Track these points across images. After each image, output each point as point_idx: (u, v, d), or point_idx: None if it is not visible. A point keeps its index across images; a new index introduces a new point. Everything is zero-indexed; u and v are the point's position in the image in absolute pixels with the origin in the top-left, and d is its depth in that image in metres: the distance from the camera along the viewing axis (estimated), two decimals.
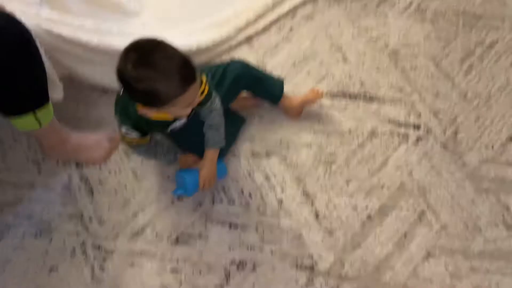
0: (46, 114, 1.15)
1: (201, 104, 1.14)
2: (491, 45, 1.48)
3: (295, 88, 1.43)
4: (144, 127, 1.12)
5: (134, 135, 1.12)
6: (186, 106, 1.01)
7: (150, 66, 0.91)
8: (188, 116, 1.12)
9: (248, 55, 1.49)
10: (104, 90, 1.43)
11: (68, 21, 1.23)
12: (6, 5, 1.06)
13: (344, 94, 1.42)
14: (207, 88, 1.13)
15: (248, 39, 1.51)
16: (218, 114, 1.19)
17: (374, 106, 1.40)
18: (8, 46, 1.00)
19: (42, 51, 1.12)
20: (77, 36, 1.21)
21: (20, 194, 1.30)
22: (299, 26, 1.53)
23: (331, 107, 1.40)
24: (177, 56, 0.95)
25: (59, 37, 1.18)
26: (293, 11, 1.56)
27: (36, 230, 1.26)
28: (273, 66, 1.47)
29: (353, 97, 1.42)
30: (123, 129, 1.12)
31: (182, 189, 1.23)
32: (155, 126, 1.15)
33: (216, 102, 1.18)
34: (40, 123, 1.14)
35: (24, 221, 1.27)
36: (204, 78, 1.13)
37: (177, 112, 1.04)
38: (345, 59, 1.48)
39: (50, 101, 1.15)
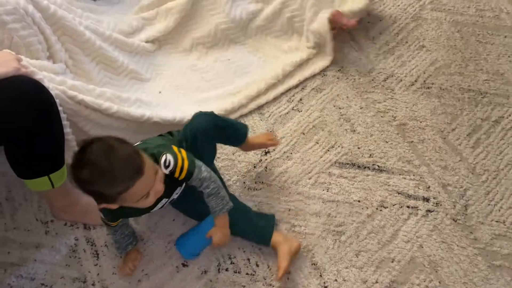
0: (60, 176, 1.17)
1: (186, 179, 1.11)
2: (497, 121, 1.52)
3: (304, 156, 1.45)
4: (126, 212, 1.13)
5: (107, 219, 1.16)
6: (144, 197, 1.00)
7: (91, 168, 0.92)
8: (165, 193, 1.07)
9: (259, 123, 1.53)
10: None
11: (90, 88, 1.30)
12: (36, 73, 1.13)
13: (353, 164, 1.44)
14: (186, 163, 1.09)
15: (259, 108, 1.57)
16: (211, 180, 1.13)
17: (383, 177, 1.41)
18: (31, 110, 1.05)
19: (63, 116, 1.17)
20: (98, 103, 1.27)
21: (25, 254, 1.29)
22: (308, 98, 1.59)
23: (340, 177, 1.41)
24: (116, 154, 0.94)
25: (82, 103, 1.24)
26: (303, 83, 1.62)
27: None
28: (283, 134, 1.50)
29: (362, 167, 1.43)
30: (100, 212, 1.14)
31: (190, 253, 1.24)
32: (137, 212, 1.14)
33: (203, 170, 1.12)
34: (53, 185, 1.17)
35: (26, 283, 1.24)
36: (179, 158, 1.08)
37: (139, 203, 1.02)
38: (353, 130, 1.51)
39: (65, 165, 1.18)
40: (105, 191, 0.95)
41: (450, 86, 1.60)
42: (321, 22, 1.61)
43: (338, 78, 1.63)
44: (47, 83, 1.13)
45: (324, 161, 1.45)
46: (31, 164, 1.12)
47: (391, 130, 1.51)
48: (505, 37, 1.72)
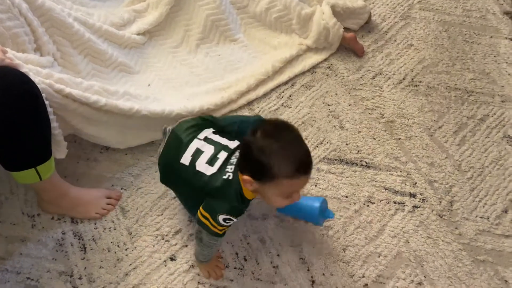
0: (47, 168, 1.16)
1: None
2: (483, 119, 1.54)
3: None
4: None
5: (232, 222, 1.09)
6: (287, 196, 1.02)
7: (277, 140, 0.96)
8: None
9: None
10: (105, 148, 1.46)
11: (77, 81, 1.29)
12: (21, 66, 1.11)
13: (341, 160, 1.45)
14: None
15: (249, 104, 1.57)
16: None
17: (370, 173, 1.42)
18: (16, 101, 1.03)
19: (50, 110, 1.16)
20: (86, 96, 1.26)
21: (11, 248, 1.27)
22: (298, 94, 1.60)
23: (328, 172, 1.42)
24: (303, 142, 1.01)
25: (69, 96, 1.23)
26: (292, 79, 1.63)
27: (23, 286, 1.22)
28: None
29: (350, 163, 1.45)
30: (226, 218, 1.06)
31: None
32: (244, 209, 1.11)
33: None
34: (40, 177, 1.15)
35: (12, 277, 1.23)
36: None
37: (276, 199, 1.02)
38: (342, 127, 1.53)
39: (52, 157, 1.17)
40: (277, 165, 0.95)
41: (437, 85, 1.62)
42: (336, 28, 1.63)
43: (327, 75, 1.65)
44: (32, 77, 1.12)
45: (313, 156, 1.45)
46: (17, 156, 1.11)
47: (379, 127, 1.52)
48: (491, 37, 1.75)
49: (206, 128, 1.17)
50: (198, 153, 1.11)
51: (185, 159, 1.11)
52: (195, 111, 1.44)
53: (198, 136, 1.14)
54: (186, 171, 1.11)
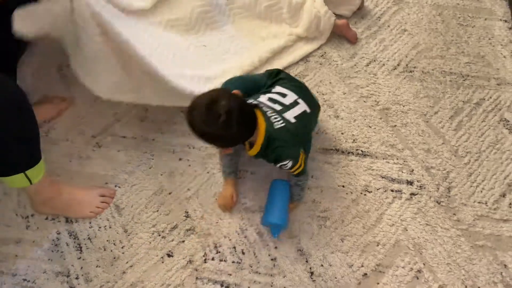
0: (37, 172, 1.15)
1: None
2: (479, 103, 1.52)
3: None
4: None
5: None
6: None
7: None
8: None
9: None
10: (98, 145, 1.44)
11: None
12: None
13: (337, 150, 1.44)
14: (298, 171, 1.21)
15: None
16: (305, 178, 1.28)
17: (366, 161, 1.41)
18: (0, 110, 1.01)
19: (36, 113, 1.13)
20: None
21: (5, 250, 1.26)
22: None
23: (324, 162, 1.41)
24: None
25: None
26: (286, 69, 1.61)
27: None
28: None
29: (345, 152, 1.43)
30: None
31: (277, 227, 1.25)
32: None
33: (306, 173, 1.26)
34: (30, 181, 1.14)
35: (8, 279, 1.22)
36: (297, 166, 1.20)
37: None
38: (337, 116, 1.51)
39: (41, 160, 1.15)
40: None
41: (432, 70, 1.60)
42: (327, 17, 1.61)
43: (320, 64, 1.62)
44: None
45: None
46: (4, 162, 1.09)
47: (374, 115, 1.51)
48: (485, 19, 1.72)
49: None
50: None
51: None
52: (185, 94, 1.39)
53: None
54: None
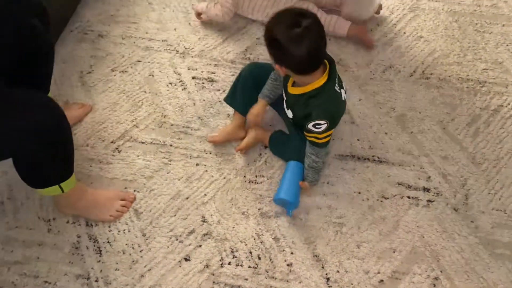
0: (70, 183, 1.23)
1: (312, 143, 1.26)
2: (497, 110, 1.51)
3: None
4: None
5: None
6: None
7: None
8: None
9: None
10: (117, 150, 1.47)
11: None
12: None
13: (353, 156, 1.44)
14: (325, 140, 1.25)
15: None
16: (322, 160, 1.30)
17: (383, 168, 1.41)
18: (43, 137, 1.05)
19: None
20: None
21: (28, 252, 1.29)
22: None
23: (340, 168, 1.41)
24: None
25: None
26: None
27: None
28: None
29: (361, 159, 1.43)
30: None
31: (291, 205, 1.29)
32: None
33: (327, 151, 1.31)
34: (62, 190, 1.20)
35: (30, 281, 1.25)
36: (324, 134, 1.24)
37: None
38: (352, 122, 1.51)
39: (73, 173, 1.21)
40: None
41: (449, 76, 1.60)
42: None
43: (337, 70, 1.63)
44: None
45: None
46: (41, 178, 1.17)
47: (390, 121, 1.51)
48: (503, 25, 1.71)
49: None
50: None
51: None
52: None
53: None
54: None
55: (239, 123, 1.46)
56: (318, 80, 1.19)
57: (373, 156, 1.44)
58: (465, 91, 1.56)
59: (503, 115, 1.50)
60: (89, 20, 1.79)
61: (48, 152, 1.10)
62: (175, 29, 1.76)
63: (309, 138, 1.26)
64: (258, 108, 1.40)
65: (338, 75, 1.26)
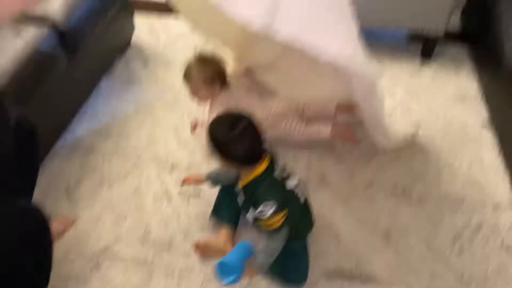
0: None
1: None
2: (478, 228, 1.54)
3: None
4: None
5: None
6: None
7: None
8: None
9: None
10: (96, 268, 1.41)
11: None
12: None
13: (339, 274, 1.41)
14: (274, 226, 1.28)
15: None
16: (275, 247, 1.32)
17: (370, 287, 1.37)
18: (24, 244, 1.04)
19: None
20: None
21: None
22: None
23: None
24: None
25: None
26: None
27: None
28: None
29: (349, 277, 1.40)
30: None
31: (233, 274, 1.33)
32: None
33: (280, 238, 1.31)
34: None
35: None
36: (275, 219, 1.28)
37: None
38: (338, 239, 1.51)
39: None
40: None
41: (429, 194, 1.65)
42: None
43: (320, 187, 1.67)
44: None
45: (311, 272, 1.41)
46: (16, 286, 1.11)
47: (375, 238, 1.51)
48: (474, 147, 1.83)
49: None
50: None
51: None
52: None
53: None
54: None
55: (226, 237, 1.45)
56: (259, 169, 1.28)
57: (361, 274, 1.41)
58: (446, 208, 1.60)
59: (485, 232, 1.53)
60: (81, 135, 1.85)
61: (28, 259, 1.05)
62: (164, 144, 1.83)
63: (264, 228, 1.32)
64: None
65: (284, 167, 1.36)
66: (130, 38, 2.30)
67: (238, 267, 1.33)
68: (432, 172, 1.73)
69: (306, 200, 1.42)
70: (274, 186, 1.29)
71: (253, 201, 1.28)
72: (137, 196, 1.63)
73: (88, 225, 1.54)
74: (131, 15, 2.22)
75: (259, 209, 1.26)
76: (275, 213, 1.26)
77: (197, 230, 1.52)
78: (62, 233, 1.50)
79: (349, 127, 1.79)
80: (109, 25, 1.96)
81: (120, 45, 2.23)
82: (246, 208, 1.36)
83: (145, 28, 2.43)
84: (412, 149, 1.81)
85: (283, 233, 1.31)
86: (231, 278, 1.34)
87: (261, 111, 1.73)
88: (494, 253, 1.47)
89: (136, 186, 1.67)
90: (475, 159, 1.77)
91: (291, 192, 1.34)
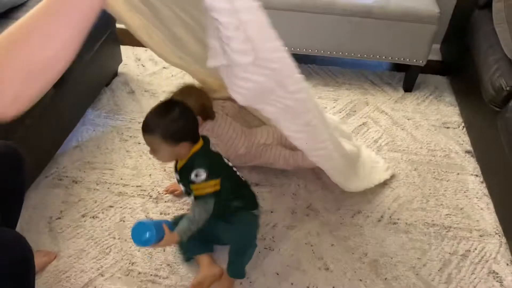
0: None
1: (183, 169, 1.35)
2: (465, 255, 1.54)
3: None
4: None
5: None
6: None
7: None
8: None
9: None
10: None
11: None
12: None
13: None
14: (204, 191, 1.31)
15: None
16: (200, 216, 1.30)
17: None
18: (7, 266, 1.01)
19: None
20: None
21: None
22: (280, 235, 1.59)
23: None
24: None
25: None
26: (274, 221, 1.64)
27: None
28: (256, 276, 1.46)
29: None
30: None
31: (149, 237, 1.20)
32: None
33: (206, 208, 1.31)
34: None
35: None
36: (207, 185, 1.31)
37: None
38: (326, 268, 1.49)
39: None
40: None
41: (415, 222, 1.66)
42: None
43: (307, 215, 1.67)
44: None
45: None
46: None
47: (363, 267, 1.50)
48: (458, 174, 1.85)
49: None
50: None
51: None
52: None
53: None
54: None
55: (207, 262, 1.44)
56: (196, 146, 1.33)
57: None
58: (433, 236, 1.61)
59: (472, 260, 1.53)
60: (65, 166, 1.83)
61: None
62: (150, 175, 1.81)
63: (194, 192, 1.33)
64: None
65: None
66: (117, 69, 2.32)
67: (152, 225, 1.22)
68: (418, 199, 1.74)
69: (246, 181, 1.52)
70: (208, 155, 1.36)
71: (189, 168, 1.31)
72: (122, 228, 1.60)
73: (70, 259, 1.49)
74: (118, 46, 2.24)
75: (193, 172, 1.30)
76: (208, 178, 1.30)
77: (182, 262, 1.49)
78: (43, 267, 1.45)
79: None
80: (96, 56, 1.97)
81: (107, 76, 2.24)
82: (188, 187, 1.36)
83: (132, 58, 2.46)
84: (397, 177, 1.83)
85: (209, 204, 1.32)
86: (146, 236, 1.20)
87: (245, 142, 1.74)
88: (482, 280, 1.46)
89: (120, 217, 1.64)
90: (460, 186, 1.80)
91: (229, 167, 1.44)
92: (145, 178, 1.79)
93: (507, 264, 1.51)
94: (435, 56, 2.48)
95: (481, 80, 1.80)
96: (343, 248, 1.56)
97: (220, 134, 1.71)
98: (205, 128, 1.73)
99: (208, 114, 1.70)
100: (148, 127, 1.28)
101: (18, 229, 1.37)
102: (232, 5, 0.87)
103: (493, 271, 1.49)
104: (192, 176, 1.29)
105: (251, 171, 1.82)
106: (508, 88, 1.63)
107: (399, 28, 2.11)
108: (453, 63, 2.35)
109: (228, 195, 1.40)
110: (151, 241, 1.20)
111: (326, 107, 2.15)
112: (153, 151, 1.31)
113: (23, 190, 1.32)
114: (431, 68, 2.36)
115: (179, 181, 1.41)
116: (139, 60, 2.45)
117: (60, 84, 1.71)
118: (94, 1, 0.62)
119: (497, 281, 1.46)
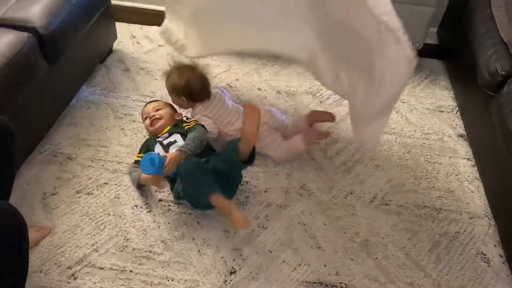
0: None
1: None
2: (455, 237, 1.57)
3: (271, 276, 1.42)
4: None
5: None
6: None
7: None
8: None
9: (227, 242, 1.51)
10: (73, 277, 1.38)
11: None
12: None
13: (320, 283, 1.41)
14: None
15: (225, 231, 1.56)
16: (202, 136, 1.62)
17: None
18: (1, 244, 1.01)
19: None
20: None
21: None
22: (273, 214, 1.61)
23: None
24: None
25: None
26: (268, 200, 1.66)
27: None
28: (249, 252, 1.48)
29: (329, 286, 1.41)
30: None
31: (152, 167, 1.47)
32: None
33: (206, 131, 1.68)
34: None
35: None
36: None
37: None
38: (318, 247, 1.52)
39: None
40: None
41: (407, 203, 1.68)
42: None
43: (301, 195, 1.69)
44: None
45: (291, 280, 1.42)
46: None
47: (355, 247, 1.52)
48: (450, 157, 1.87)
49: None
50: None
51: None
52: None
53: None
54: None
55: (223, 200, 1.47)
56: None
57: (341, 283, 1.42)
58: (423, 218, 1.63)
59: (461, 241, 1.56)
60: (59, 143, 1.82)
61: (4, 262, 1.02)
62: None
63: (185, 128, 1.67)
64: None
65: None
66: (112, 46, 2.29)
67: (157, 158, 1.48)
68: (410, 182, 1.76)
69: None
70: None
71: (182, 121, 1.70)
72: (116, 205, 1.61)
73: (64, 235, 1.50)
74: (113, 22, 2.21)
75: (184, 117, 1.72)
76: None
77: (177, 239, 1.51)
78: (37, 242, 1.46)
79: (312, 129, 1.85)
80: (91, 33, 1.95)
81: (102, 53, 2.21)
82: (182, 128, 1.68)
83: (127, 35, 2.43)
84: (390, 159, 1.85)
85: (200, 128, 1.65)
86: (151, 155, 1.49)
87: (238, 118, 1.75)
88: (470, 261, 1.50)
89: (115, 194, 1.65)
90: (452, 169, 1.82)
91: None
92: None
93: (495, 246, 1.55)
94: (432, 39, 2.47)
95: (477, 64, 1.81)
96: (335, 227, 1.58)
97: (216, 113, 1.76)
98: (200, 108, 1.75)
99: (202, 93, 1.77)
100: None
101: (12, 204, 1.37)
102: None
103: (481, 252, 1.53)
104: (184, 118, 1.72)
105: None
106: (503, 73, 1.64)
107: (396, 10, 2.09)
108: (449, 47, 2.35)
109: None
110: (155, 158, 1.48)
111: (320, 89, 2.15)
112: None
113: (13, 163, 1.31)
114: (427, 51, 2.35)
115: (170, 135, 1.66)
116: (134, 37, 2.42)
117: (54, 60, 1.69)
118: None
119: (484, 261, 1.50)
